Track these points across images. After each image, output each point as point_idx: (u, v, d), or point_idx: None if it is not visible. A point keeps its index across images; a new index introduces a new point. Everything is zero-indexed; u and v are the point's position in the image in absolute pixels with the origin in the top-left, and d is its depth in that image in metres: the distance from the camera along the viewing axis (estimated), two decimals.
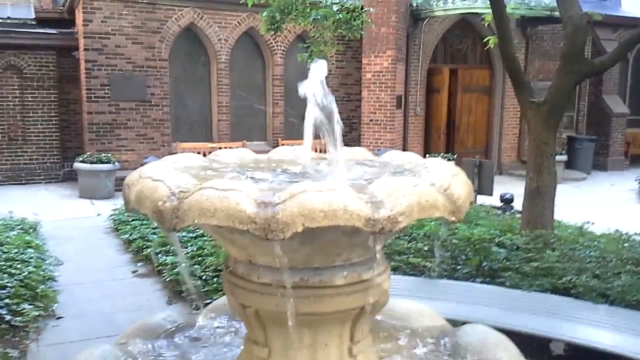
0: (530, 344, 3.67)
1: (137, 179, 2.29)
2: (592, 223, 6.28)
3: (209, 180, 2.12)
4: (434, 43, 13.55)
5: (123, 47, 11.34)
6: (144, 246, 6.63)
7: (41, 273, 5.65)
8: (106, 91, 11.31)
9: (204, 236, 6.33)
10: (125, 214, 7.90)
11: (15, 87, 11.77)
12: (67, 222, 8.76)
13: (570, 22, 5.31)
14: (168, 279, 5.62)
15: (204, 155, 3.11)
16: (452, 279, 4.80)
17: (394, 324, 3.13)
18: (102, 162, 10.61)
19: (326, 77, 2.47)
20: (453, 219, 2.17)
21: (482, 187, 7.77)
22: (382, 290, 2.46)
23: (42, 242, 6.94)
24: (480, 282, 4.68)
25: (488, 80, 14.56)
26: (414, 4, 12.84)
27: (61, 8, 12.61)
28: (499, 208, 8.24)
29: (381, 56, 12.36)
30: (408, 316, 3.19)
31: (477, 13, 11.96)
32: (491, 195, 7.85)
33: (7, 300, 4.81)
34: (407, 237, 5.87)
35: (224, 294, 3.26)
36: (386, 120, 12.52)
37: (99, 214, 9.18)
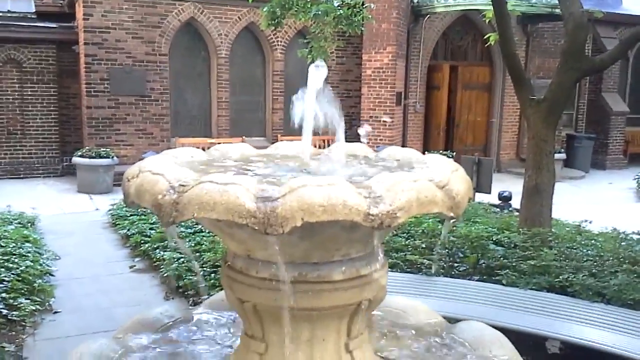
0: (526, 342, 3.68)
1: (137, 173, 2.30)
2: (590, 221, 6.29)
3: (208, 174, 2.12)
4: (434, 40, 13.52)
5: (123, 42, 11.32)
6: (142, 241, 6.62)
7: (38, 267, 5.63)
8: (106, 86, 11.29)
9: (202, 232, 6.33)
10: (124, 209, 7.89)
11: (15, 81, 11.73)
12: (65, 216, 8.74)
13: (571, 19, 5.31)
14: (165, 274, 5.62)
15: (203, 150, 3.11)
16: (450, 276, 4.82)
17: (390, 320, 3.14)
18: (100, 157, 10.60)
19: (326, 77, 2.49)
20: (451, 214, 2.18)
21: (481, 184, 7.75)
22: (380, 285, 2.46)
23: (39, 237, 6.92)
24: (477, 280, 4.68)
25: (488, 78, 14.54)
26: (415, 1, 12.82)
27: (61, 2, 12.56)
28: (497, 206, 8.25)
29: (381, 52, 12.34)
30: (404, 312, 3.20)
31: (478, 10, 11.91)
32: (489, 193, 7.84)
33: (4, 295, 4.80)
34: (405, 235, 5.87)
35: (222, 290, 3.26)
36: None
37: (97, 209, 9.18)
